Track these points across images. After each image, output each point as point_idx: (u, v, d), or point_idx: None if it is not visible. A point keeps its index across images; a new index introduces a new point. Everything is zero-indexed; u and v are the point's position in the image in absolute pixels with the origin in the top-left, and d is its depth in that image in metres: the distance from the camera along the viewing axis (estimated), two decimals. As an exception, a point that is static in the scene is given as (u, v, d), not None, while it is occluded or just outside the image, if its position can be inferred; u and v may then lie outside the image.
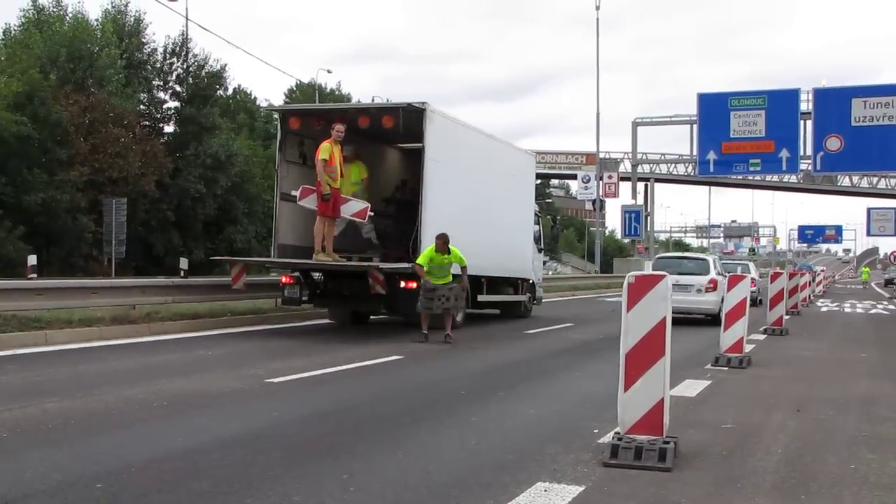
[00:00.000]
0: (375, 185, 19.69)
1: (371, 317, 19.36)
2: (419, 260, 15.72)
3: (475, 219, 18.63)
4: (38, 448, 6.71)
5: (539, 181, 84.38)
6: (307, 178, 17.95)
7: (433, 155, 16.82)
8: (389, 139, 19.88)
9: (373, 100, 19.82)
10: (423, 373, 12.21)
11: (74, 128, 36.14)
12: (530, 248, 23.14)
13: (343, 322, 18.91)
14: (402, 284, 16.54)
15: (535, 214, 24.39)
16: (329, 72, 80.00)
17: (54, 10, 42.68)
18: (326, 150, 16.22)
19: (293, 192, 17.25)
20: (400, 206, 19.80)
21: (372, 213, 17.03)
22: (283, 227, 18.06)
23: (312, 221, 17.40)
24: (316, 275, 17.68)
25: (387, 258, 17.04)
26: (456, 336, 16.81)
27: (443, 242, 15.65)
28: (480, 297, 20.04)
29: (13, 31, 42.04)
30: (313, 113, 19.71)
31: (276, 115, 19.48)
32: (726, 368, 12.41)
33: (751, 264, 43.23)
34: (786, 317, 20.29)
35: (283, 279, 17.50)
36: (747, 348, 13.44)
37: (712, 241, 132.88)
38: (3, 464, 6.16)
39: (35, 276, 27.04)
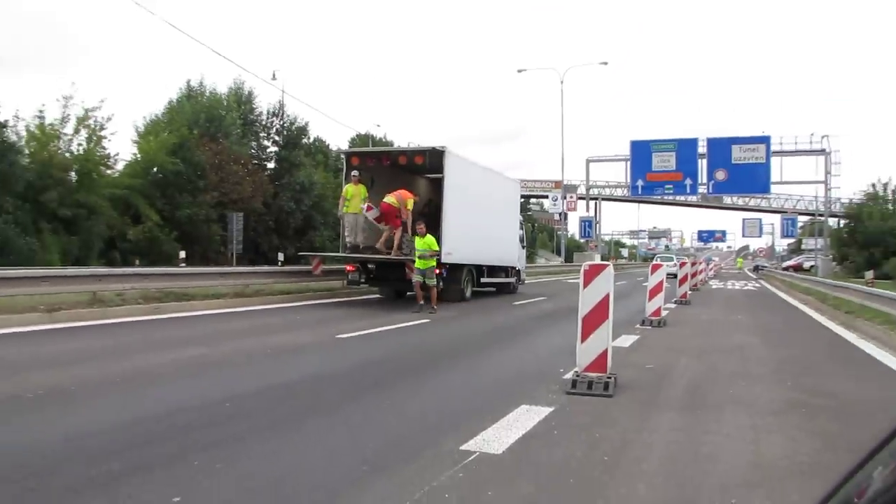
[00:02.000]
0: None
1: (407, 293, 19.26)
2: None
3: (479, 226, 18.47)
4: (188, 380, 6.79)
5: (522, 199, 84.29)
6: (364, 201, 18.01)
7: (450, 182, 16.74)
8: (420, 171, 19.84)
9: (408, 144, 19.78)
10: (442, 332, 12.19)
11: (209, 166, 36.33)
12: (517, 246, 22.93)
13: (389, 296, 18.82)
14: None
15: (520, 223, 24.18)
16: (378, 125, 79.37)
17: (198, 87, 43.04)
18: (412, 202, 16.91)
19: (362, 206, 17.25)
20: (428, 218, 19.83)
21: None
22: (348, 232, 17.92)
23: (367, 227, 17.66)
24: (370, 265, 17.65)
25: None
26: (463, 307, 16.83)
27: (421, 227, 15.14)
28: (483, 280, 19.85)
29: (172, 102, 42.41)
30: (367, 154, 19.64)
31: (342, 156, 19.45)
32: (650, 327, 12.37)
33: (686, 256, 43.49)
34: (689, 292, 20.22)
35: (348, 267, 17.56)
36: (664, 313, 13.39)
37: (639, 240, 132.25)
38: (167, 391, 6.24)
39: (184, 264, 27.21)
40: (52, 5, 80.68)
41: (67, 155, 32.17)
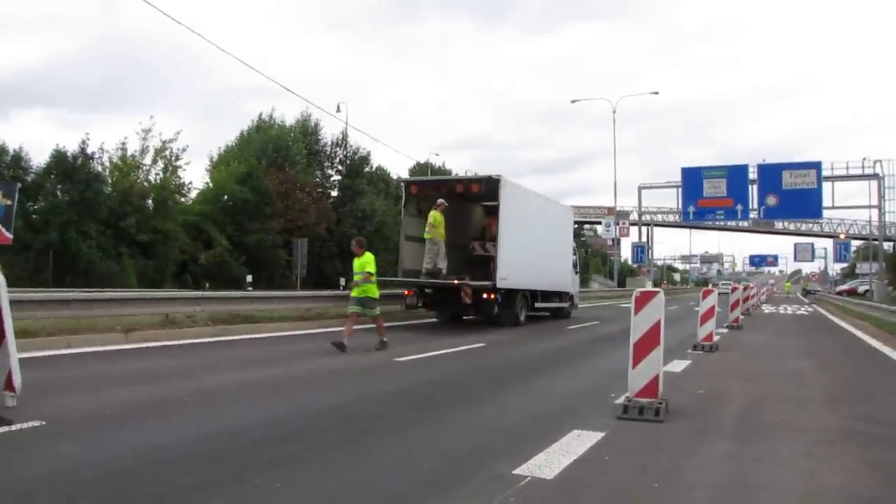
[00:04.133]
0: (468, 229, 19.67)
1: (464, 317, 18.91)
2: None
3: (533, 252, 18.26)
4: (252, 400, 6.87)
5: (576, 226, 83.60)
6: (422, 228, 17.73)
7: (505, 210, 16.61)
8: (476, 199, 19.62)
9: (466, 173, 19.78)
10: (498, 355, 12.11)
11: (276, 194, 37.01)
12: (570, 272, 22.61)
13: (445, 320, 18.68)
14: (484, 296, 16.30)
15: (574, 249, 23.84)
16: (437, 155, 79.22)
17: (268, 120, 44.09)
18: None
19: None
20: (483, 245, 19.65)
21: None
22: (406, 258, 17.98)
23: (424, 254, 17.34)
24: (427, 289, 17.49)
25: (474, 278, 16.81)
26: (518, 331, 16.62)
27: (357, 244, 12.30)
28: (537, 304, 19.59)
29: (244, 134, 43.48)
30: (426, 183, 19.71)
31: (401, 185, 19.48)
32: (701, 352, 12.06)
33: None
34: (741, 317, 19.70)
35: (406, 292, 17.49)
36: (715, 338, 13.05)
37: (692, 265, 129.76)
38: (232, 410, 6.32)
39: (251, 288, 27.74)
40: (138, 49, 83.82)
41: (146, 184, 33.28)
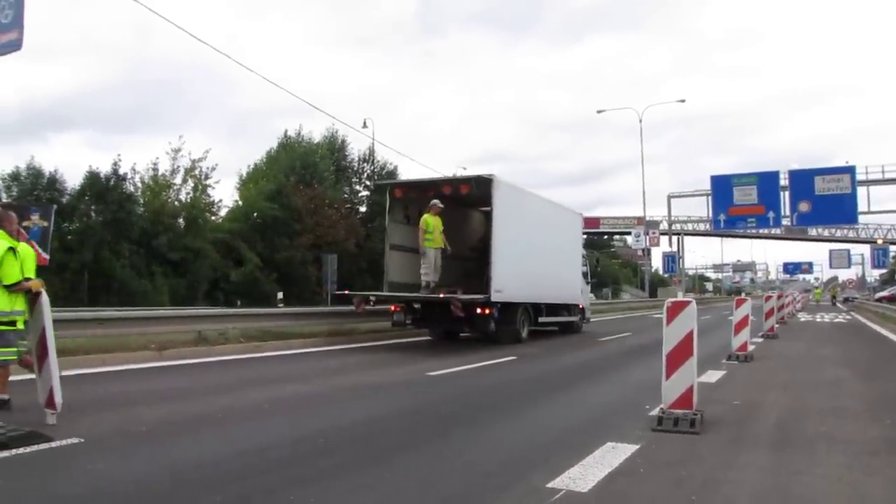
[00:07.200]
0: (464, 236, 18.07)
1: (460, 334, 17.11)
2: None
3: (534, 261, 16.66)
4: (285, 416, 6.90)
5: (605, 236, 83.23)
6: (409, 236, 16.56)
7: (500, 214, 15.02)
8: (471, 203, 17.97)
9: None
10: (530, 369, 11.98)
11: (304, 211, 37.30)
12: (579, 282, 20.79)
13: (440, 337, 17.12)
14: (479, 311, 14.80)
15: (584, 257, 21.92)
16: (464, 168, 79.44)
17: (294, 137, 44.51)
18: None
19: None
20: (480, 253, 17.31)
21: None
22: (392, 270, 16.78)
23: (412, 265, 16.27)
24: (416, 304, 15.99)
25: (469, 291, 15.10)
26: (550, 343, 16.41)
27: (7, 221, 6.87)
28: (541, 319, 17.74)
29: (272, 152, 43.92)
30: (410, 185, 17.85)
31: (387, 189, 17.70)
32: (736, 362, 11.87)
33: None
34: (776, 325, 19.37)
35: (392, 307, 15.95)
36: (750, 348, 12.84)
37: (724, 274, 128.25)
38: (265, 426, 6.35)
39: (282, 304, 27.93)
40: (168, 70, 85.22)
41: (177, 203, 33.77)
